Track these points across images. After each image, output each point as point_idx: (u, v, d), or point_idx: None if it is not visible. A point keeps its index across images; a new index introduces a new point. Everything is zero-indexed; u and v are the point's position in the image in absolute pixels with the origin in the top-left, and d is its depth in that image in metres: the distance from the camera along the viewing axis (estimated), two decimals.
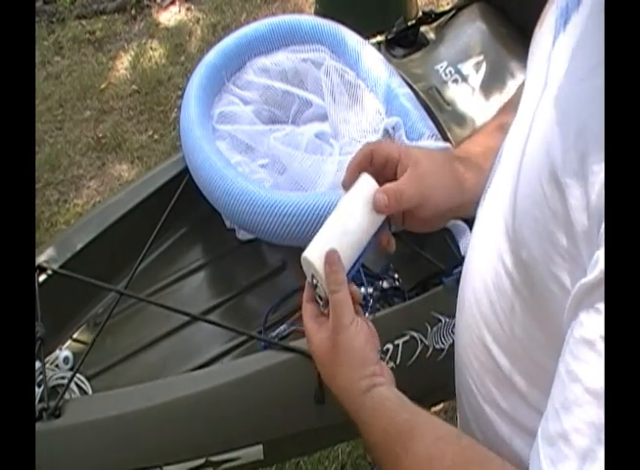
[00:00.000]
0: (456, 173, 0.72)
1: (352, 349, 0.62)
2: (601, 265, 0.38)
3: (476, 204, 0.65)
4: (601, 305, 0.38)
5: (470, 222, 0.99)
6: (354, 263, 0.67)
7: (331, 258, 0.64)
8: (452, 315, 0.93)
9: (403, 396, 0.61)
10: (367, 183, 0.68)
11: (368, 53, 1.16)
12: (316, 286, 0.66)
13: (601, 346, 0.38)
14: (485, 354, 0.57)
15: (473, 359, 0.59)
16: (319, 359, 0.65)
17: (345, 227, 0.67)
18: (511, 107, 0.69)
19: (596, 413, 0.37)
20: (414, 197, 0.68)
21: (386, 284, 1.03)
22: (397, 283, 1.03)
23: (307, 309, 0.67)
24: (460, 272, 0.93)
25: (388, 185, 0.68)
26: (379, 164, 0.70)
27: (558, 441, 0.40)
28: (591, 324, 0.39)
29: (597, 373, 0.37)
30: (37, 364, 0.88)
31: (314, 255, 0.66)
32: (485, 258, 0.57)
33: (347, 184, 0.69)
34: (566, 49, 0.48)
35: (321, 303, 0.67)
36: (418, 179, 0.68)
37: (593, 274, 0.39)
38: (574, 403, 0.39)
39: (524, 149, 0.51)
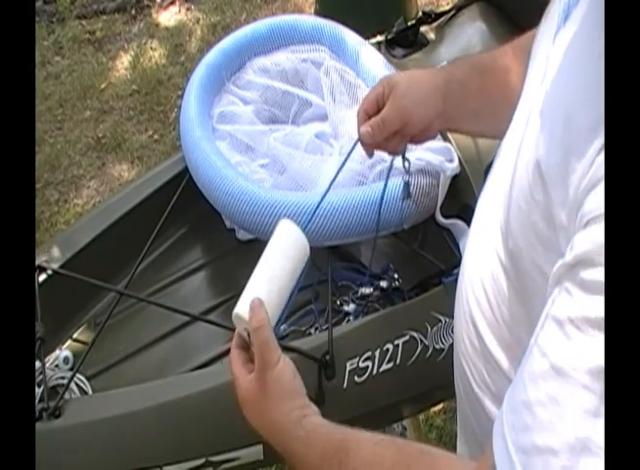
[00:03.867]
0: (434, 83, 0.76)
1: (281, 383, 0.63)
2: (576, 249, 0.39)
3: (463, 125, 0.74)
4: (572, 287, 0.39)
5: (469, 222, 0.99)
6: (284, 307, 0.70)
7: (253, 303, 0.67)
8: (452, 315, 0.93)
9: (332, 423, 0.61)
10: (286, 228, 0.72)
11: (368, 53, 1.16)
12: (249, 335, 0.67)
13: (569, 328, 0.38)
14: (478, 339, 0.58)
15: (468, 345, 0.61)
16: (248, 401, 0.65)
17: (271, 274, 0.69)
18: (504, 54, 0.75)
19: (559, 390, 0.38)
20: (395, 120, 0.73)
21: (385, 284, 1.03)
22: (397, 283, 1.03)
23: (235, 355, 0.67)
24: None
25: (371, 119, 0.73)
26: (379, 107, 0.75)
27: (522, 410, 0.41)
28: (561, 304, 0.40)
29: (563, 352, 0.38)
30: (37, 364, 0.88)
31: (244, 309, 0.68)
32: (482, 249, 0.58)
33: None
34: (564, 44, 0.49)
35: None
36: (397, 102, 0.74)
37: (569, 256, 0.40)
38: (540, 377, 0.40)
39: (520, 143, 0.51)
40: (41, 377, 0.86)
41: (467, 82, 0.76)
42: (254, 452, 0.88)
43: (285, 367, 0.63)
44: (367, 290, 1.03)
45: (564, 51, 0.48)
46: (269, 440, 0.64)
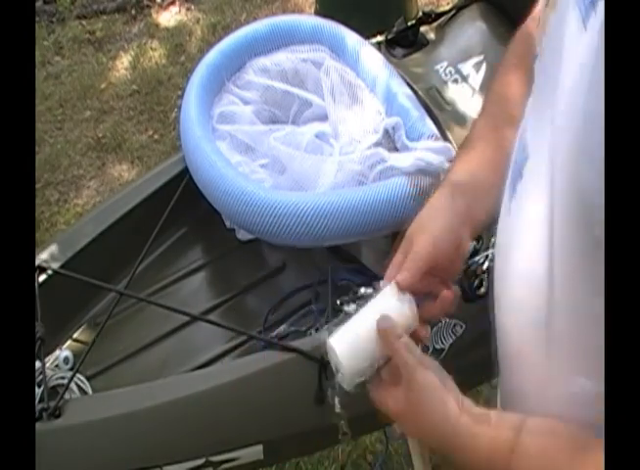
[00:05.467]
0: (457, 211, 0.73)
1: (429, 396, 0.62)
2: None
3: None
4: None
5: None
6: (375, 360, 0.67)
7: (379, 325, 0.65)
8: (452, 315, 0.93)
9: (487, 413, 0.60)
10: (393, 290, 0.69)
11: (368, 53, 1.16)
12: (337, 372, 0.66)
13: None
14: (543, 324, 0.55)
15: (525, 339, 0.59)
16: (407, 420, 0.64)
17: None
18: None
19: None
20: (428, 255, 0.70)
21: None
22: None
23: (381, 392, 0.66)
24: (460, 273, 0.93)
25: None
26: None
27: None
28: None
29: None
30: (37, 364, 0.88)
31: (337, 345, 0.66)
32: (530, 239, 0.56)
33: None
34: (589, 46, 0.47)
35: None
36: (425, 240, 0.71)
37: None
38: None
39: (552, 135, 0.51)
40: (41, 377, 0.86)
41: (489, 181, 0.73)
42: (254, 452, 0.89)
43: (428, 379, 0.62)
44: (367, 290, 1.03)
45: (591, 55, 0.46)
46: (436, 447, 0.64)
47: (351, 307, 1.04)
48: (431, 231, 0.72)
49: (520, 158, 0.61)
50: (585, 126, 0.46)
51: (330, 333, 0.68)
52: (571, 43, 0.51)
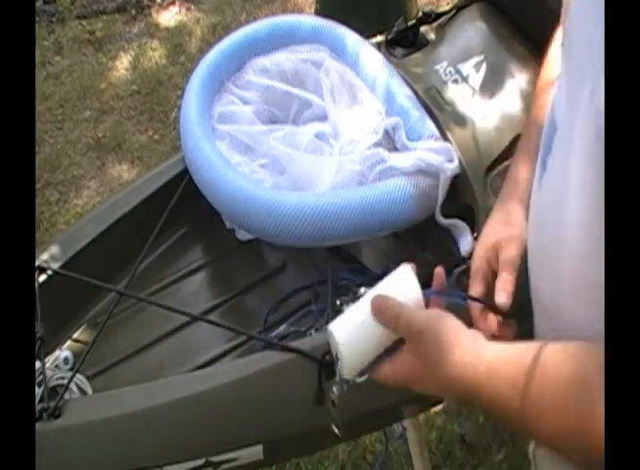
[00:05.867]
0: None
1: (439, 341, 0.61)
2: None
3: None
4: None
5: (469, 222, 0.99)
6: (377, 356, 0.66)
7: (375, 308, 0.65)
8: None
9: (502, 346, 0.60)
10: (407, 271, 0.68)
11: (368, 53, 1.16)
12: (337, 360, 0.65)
13: None
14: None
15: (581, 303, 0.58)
16: (418, 378, 0.63)
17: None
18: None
19: None
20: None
21: None
22: None
23: (391, 369, 0.65)
24: (461, 272, 0.93)
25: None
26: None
27: None
28: None
29: None
30: (37, 364, 0.88)
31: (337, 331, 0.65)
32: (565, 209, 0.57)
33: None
34: None
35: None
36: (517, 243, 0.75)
37: None
38: None
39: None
40: (41, 377, 0.86)
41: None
42: (254, 452, 0.89)
43: (430, 324, 0.61)
44: (367, 289, 1.03)
45: None
46: (457, 400, 0.63)
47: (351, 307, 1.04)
48: (518, 235, 0.74)
49: (549, 132, 0.62)
50: None
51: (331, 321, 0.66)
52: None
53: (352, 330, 0.65)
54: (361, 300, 0.67)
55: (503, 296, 0.70)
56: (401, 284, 0.67)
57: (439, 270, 0.71)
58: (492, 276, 0.74)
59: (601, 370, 0.48)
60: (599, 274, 0.50)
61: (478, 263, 0.76)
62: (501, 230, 0.78)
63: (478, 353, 0.60)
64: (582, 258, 0.56)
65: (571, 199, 0.55)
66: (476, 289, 0.74)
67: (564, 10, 0.61)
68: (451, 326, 0.62)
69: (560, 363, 0.55)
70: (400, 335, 0.64)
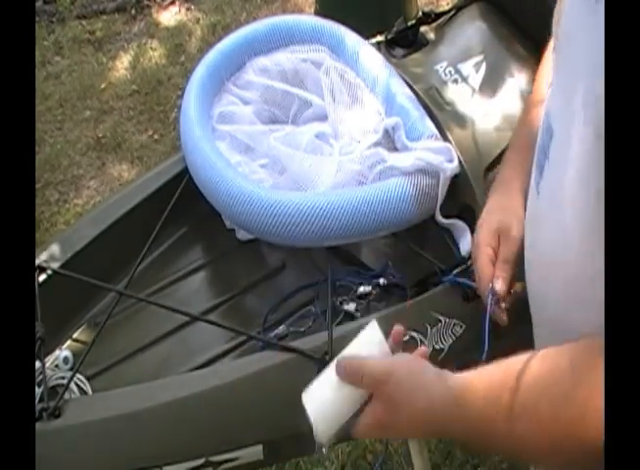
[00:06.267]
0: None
1: (402, 385, 0.61)
2: None
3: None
4: None
5: (469, 222, 1.00)
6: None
7: (341, 369, 0.66)
8: (452, 315, 0.93)
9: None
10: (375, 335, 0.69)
11: (368, 53, 1.16)
12: None
13: None
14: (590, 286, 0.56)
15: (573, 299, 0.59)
16: (387, 423, 0.63)
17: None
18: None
19: None
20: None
21: (385, 281, 1.03)
22: (397, 279, 1.04)
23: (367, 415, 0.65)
24: (460, 272, 0.93)
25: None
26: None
27: None
28: None
29: None
30: (37, 364, 0.88)
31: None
32: (560, 210, 0.58)
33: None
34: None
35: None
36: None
37: None
38: None
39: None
40: (41, 377, 0.86)
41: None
42: (254, 452, 0.89)
43: (394, 368, 0.62)
44: (367, 288, 1.03)
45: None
46: (431, 436, 0.64)
47: (351, 306, 1.05)
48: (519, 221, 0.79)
49: (545, 138, 0.63)
50: None
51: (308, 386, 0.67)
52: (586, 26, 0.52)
53: (322, 396, 0.66)
54: (330, 364, 0.68)
55: (499, 283, 0.78)
56: (367, 340, 0.68)
57: (399, 330, 0.71)
58: (496, 259, 0.81)
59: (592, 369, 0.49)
60: (599, 278, 0.50)
61: (482, 249, 0.83)
62: (501, 214, 0.83)
63: (444, 386, 0.60)
64: (581, 261, 0.57)
65: (568, 204, 0.56)
66: (485, 272, 0.80)
67: (556, 14, 0.61)
68: (415, 366, 0.63)
69: (537, 372, 0.55)
70: (369, 389, 0.64)
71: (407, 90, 1.10)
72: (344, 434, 0.66)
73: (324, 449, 0.67)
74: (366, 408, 0.64)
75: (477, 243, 0.84)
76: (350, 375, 0.65)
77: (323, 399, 0.66)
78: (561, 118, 0.59)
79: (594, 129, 0.49)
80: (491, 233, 0.83)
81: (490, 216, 0.85)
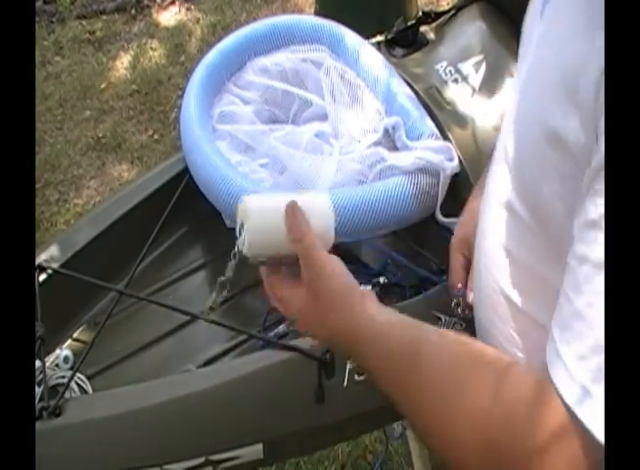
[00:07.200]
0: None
1: (333, 290, 0.61)
2: (600, 154, 0.41)
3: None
4: (601, 186, 0.40)
5: None
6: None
7: (289, 209, 0.63)
8: (452, 314, 0.93)
9: (392, 312, 0.61)
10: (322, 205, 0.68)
11: (368, 53, 1.16)
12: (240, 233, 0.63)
13: (603, 222, 0.40)
14: (504, 299, 0.59)
15: (495, 311, 0.62)
16: (308, 318, 0.63)
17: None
18: None
19: (604, 283, 0.40)
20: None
21: (385, 279, 1.03)
22: (397, 277, 1.04)
23: (275, 281, 0.66)
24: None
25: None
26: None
27: (572, 321, 0.42)
28: (593, 206, 0.41)
29: (603, 247, 0.40)
30: (37, 364, 0.88)
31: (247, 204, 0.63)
32: (494, 215, 0.61)
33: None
34: (552, 16, 0.53)
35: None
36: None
37: (595, 162, 0.41)
38: (584, 282, 0.41)
39: (518, 104, 0.57)
40: (41, 376, 0.86)
41: None
42: (254, 452, 0.89)
43: (332, 271, 0.62)
44: (367, 287, 1.03)
45: (552, 22, 0.51)
46: (337, 348, 0.63)
47: None
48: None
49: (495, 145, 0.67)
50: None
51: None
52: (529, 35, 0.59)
53: (264, 208, 0.64)
54: (283, 194, 0.66)
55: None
56: (318, 208, 0.67)
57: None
58: (468, 264, 0.82)
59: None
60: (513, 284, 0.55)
61: (454, 255, 0.85)
62: (470, 226, 0.82)
63: (369, 307, 0.61)
64: (495, 269, 0.60)
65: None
66: (457, 277, 0.83)
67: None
68: (348, 279, 0.63)
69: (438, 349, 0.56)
70: (298, 253, 0.63)
71: (407, 90, 1.11)
72: (264, 263, 0.66)
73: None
74: (296, 286, 0.63)
75: (451, 246, 0.85)
76: (295, 226, 0.63)
77: (264, 210, 0.64)
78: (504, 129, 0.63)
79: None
80: (463, 239, 0.84)
81: (466, 220, 0.86)
